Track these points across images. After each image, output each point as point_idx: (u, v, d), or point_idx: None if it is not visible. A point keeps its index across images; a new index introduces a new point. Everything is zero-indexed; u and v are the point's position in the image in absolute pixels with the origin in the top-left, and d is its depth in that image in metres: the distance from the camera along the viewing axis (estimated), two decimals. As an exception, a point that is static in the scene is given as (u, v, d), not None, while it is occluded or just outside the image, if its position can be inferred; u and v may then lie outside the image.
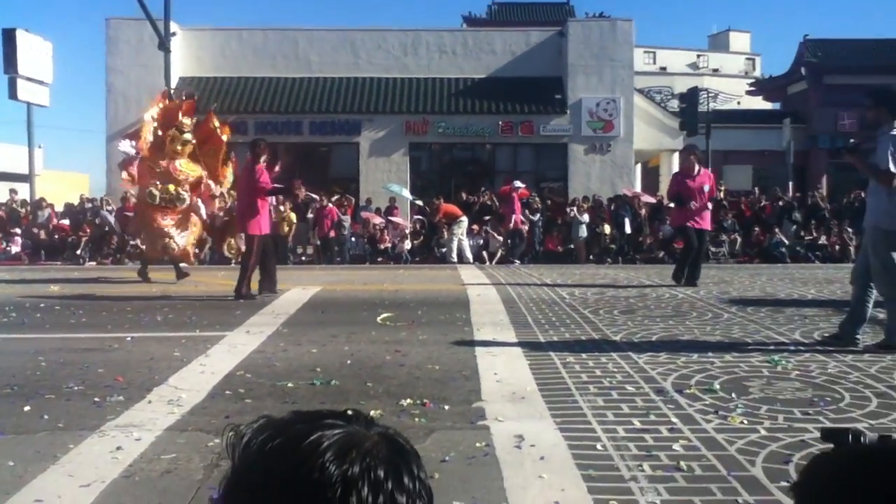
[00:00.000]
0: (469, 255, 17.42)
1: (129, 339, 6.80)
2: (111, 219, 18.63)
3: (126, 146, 11.79)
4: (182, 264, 11.90)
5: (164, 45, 20.25)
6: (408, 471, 0.86)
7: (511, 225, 17.61)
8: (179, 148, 11.24)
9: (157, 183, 11.16)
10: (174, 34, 21.37)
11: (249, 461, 0.85)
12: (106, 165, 23.70)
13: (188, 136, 11.28)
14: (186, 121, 11.36)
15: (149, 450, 3.79)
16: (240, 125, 23.07)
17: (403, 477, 0.85)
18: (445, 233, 17.76)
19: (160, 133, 11.34)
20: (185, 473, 3.49)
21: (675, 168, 26.61)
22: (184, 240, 11.39)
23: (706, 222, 10.52)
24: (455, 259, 17.12)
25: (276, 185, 10.01)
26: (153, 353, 6.13)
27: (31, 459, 3.64)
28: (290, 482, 0.81)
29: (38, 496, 3.21)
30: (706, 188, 10.19)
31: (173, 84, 21.63)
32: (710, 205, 10.61)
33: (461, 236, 17.59)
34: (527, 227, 18.27)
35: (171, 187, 11.16)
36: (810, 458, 0.96)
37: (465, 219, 17.89)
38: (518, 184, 18.29)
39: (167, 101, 11.89)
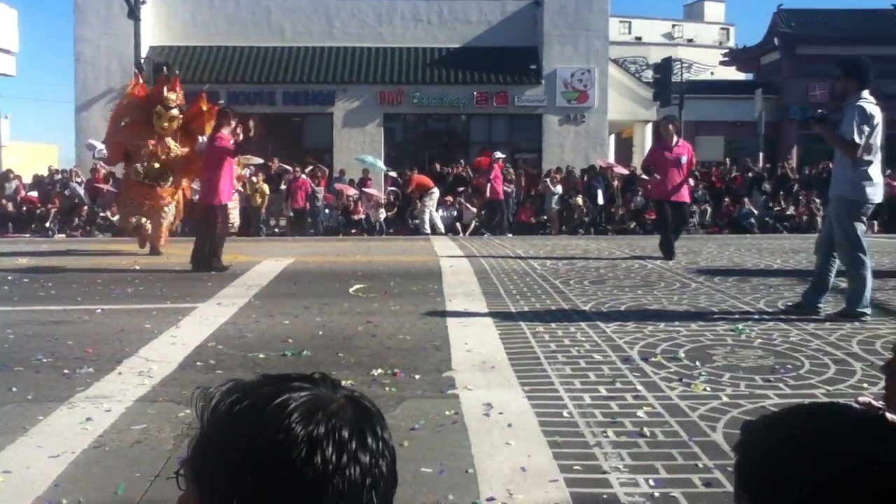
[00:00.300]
0: (441, 226, 17.45)
1: (99, 311, 6.77)
2: (81, 190, 18.40)
3: (98, 145, 11.53)
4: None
5: (133, 14, 19.87)
6: (371, 432, 0.89)
7: (490, 195, 17.51)
8: (166, 125, 10.94)
9: (144, 161, 10.95)
10: (144, 2, 20.94)
11: (217, 423, 0.88)
12: (75, 137, 23.30)
13: (175, 111, 10.99)
14: (172, 96, 11.03)
15: (119, 420, 3.81)
16: (210, 95, 22.81)
17: (367, 437, 0.88)
18: (418, 204, 17.77)
19: (145, 111, 11.05)
20: (156, 443, 3.52)
21: (649, 139, 26.86)
22: (159, 222, 11.19)
23: (684, 195, 10.40)
24: (428, 230, 17.14)
25: (235, 144, 9.66)
26: (123, 325, 6.11)
27: (0, 431, 3.65)
28: (256, 443, 0.84)
29: (7, 467, 3.23)
30: (683, 160, 10.09)
31: (143, 53, 21.27)
32: (690, 179, 10.50)
33: (432, 208, 17.61)
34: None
35: (157, 165, 10.97)
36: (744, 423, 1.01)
37: (436, 190, 17.90)
38: (498, 154, 18.29)
39: (142, 82, 11.60)
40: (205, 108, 11.23)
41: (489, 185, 17.31)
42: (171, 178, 11.11)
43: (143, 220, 11.06)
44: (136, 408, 4.01)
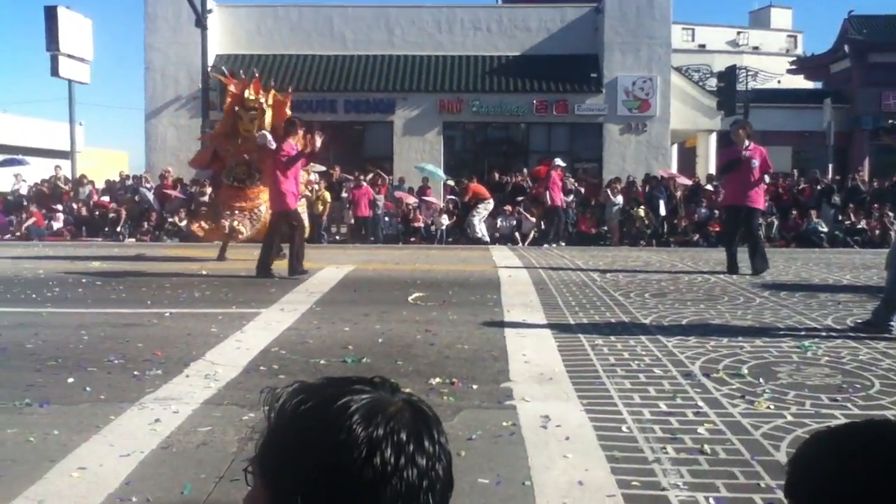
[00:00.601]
0: (486, 236, 17.48)
1: (167, 314, 6.98)
2: (150, 196, 18.98)
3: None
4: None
5: (200, 23, 20.45)
6: (429, 435, 0.93)
7: (552, 203, 17.32)
8: (249, 126, 11.07)
9: (232, 164, 11.20)
10: (210, 11, 21.55)
11: (283, 422, 0.93)
12: (145, 143, 24.07)
13: (253, 112, 11.11)
14: (250, 97, 11.15)
15: (186, 422, 3.93)
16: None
17: (424, 440, 0.92)
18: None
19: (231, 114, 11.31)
20: (221, 446, 3.61)
21: (713, 149, 26.36)
22: (252, 224, 11.27)
23: (756, 200, 9.88)
24: (479, 235, 17.23)
25: (297, 153, 9.71)
26: (191, 328, 6.30)
27: (74, 429, 3.80)
28: (319, 443, 0.89)
29: (82, 464, 3.36)
30: (755, 163, 9.69)
31: (210, 61, 21.85)
32: (763, 181, 9.97)
33: (482, 217, 17.68)
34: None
35: (243, 167, 11.15)
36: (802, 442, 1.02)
37: (491, 201, 17.92)
38: (558, 161, 18.10)
39: (236, 83, 11.69)
40: (288, 111, 11.39)
41: (547, 192, 17.22)
42: (257, 177, 11.17)
43: (236, 223, 11.21)
44: (202, 410, 4.13)
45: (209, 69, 21.30)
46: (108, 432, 3.78)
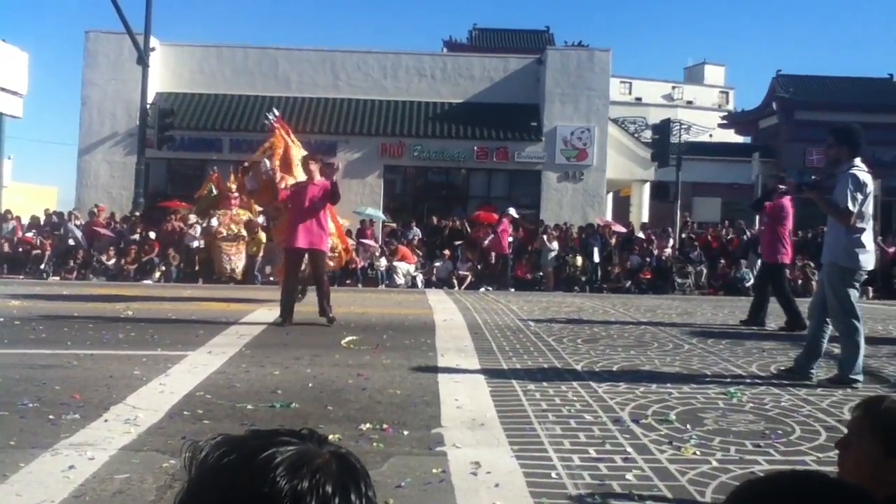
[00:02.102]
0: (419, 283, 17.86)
1: (88, 356, 6.73)
2: (78, 233, 18.44)
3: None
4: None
5: (142, 60, 20.22)
6: (356, 489, 0.90)
7: (496, 248, 17.89)
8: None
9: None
10: (153, 49, 21.36)
11: (204, 474, 0.89)
12: (77, 179, 23.47)
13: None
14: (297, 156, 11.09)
15: (102, 469, 3.76)
16: (215, 142, 23.06)
17: (351, 494, 0.89)
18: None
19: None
20: (138, 494, 3.47)
21: (647, 198, 27.05)
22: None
23: (767, 253, 9.99)
24: (399, 282, 17.61)
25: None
26: (113, 371, 6.07)
27: (-21, 477, 3.60)
28: (241, 495, 0.85)
29: (-16, 515, 3.18)
30: (765, 217, 9.88)
31: (150, 99, 21.57)
32: (783, 238, 9.98)
33: (402, 272, 17.97)
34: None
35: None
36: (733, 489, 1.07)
37: (415, 266, 18.32)
38: (513, 211, 18.71)
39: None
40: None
41: (496, 238, 17.63)
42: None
43: None
44: (121, 456, 3.96)
45: (148, 106, 21.02)
46: (15, 481, 3.59)
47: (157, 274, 17.12)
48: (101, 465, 3.81)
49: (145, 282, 16.53)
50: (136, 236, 18.06)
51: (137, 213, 19.27)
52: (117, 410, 4.86)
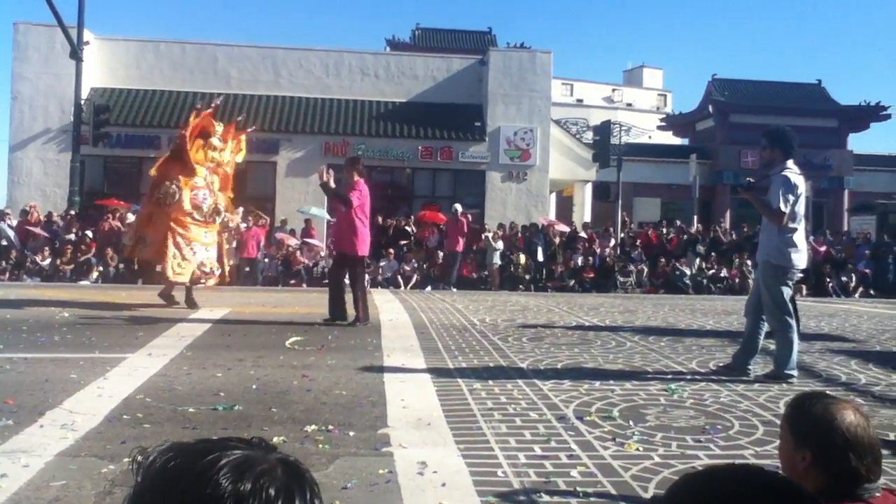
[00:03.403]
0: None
1: (22, 359, 6.51)
2: (11, 233, 17.81)
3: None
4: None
5: (76, 54, 19.63)
6: (301, 494, 0.90)
7: (449, 247, 18.06)
8: (217, 156, 10.64)
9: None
10: (87, 43, 20.73)
11: (150, 478, 0.90)
12: (7, 176, 22.66)
13: (217, 141, 10.68)
14: (218, 128, 10.76)
15: (37, 476, 3.65)
16: (153, 139, 22.54)
17: (295, 498, 0.89)
18: None
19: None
20: (76, 500, 3.38)
21: (589, 198, 27.46)
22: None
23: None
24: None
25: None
26: (48, 374, 5.89)
27: None
28: (185, 497, 0.86)
29: (-88, 527, 3.05)
30: None
31: (84, 94, 20.96)
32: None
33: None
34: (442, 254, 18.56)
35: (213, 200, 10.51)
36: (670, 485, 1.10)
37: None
38: (459, 207, 18.81)
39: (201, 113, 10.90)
40: (242, 146, 11.18)
41: (452, 237, 17.86)
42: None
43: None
44: (57, 463, 3.85)
45: (83, 102, 20.43)
46: (-55, 489, 3.45)
47: (95, 274, 16.66)
48: (36, 472, 3.70)
49: (82, 283, 16.07)
50: (72, 236, 17.53)
51: (73, 212, 18.70)
52: (53, 415, 4.72)
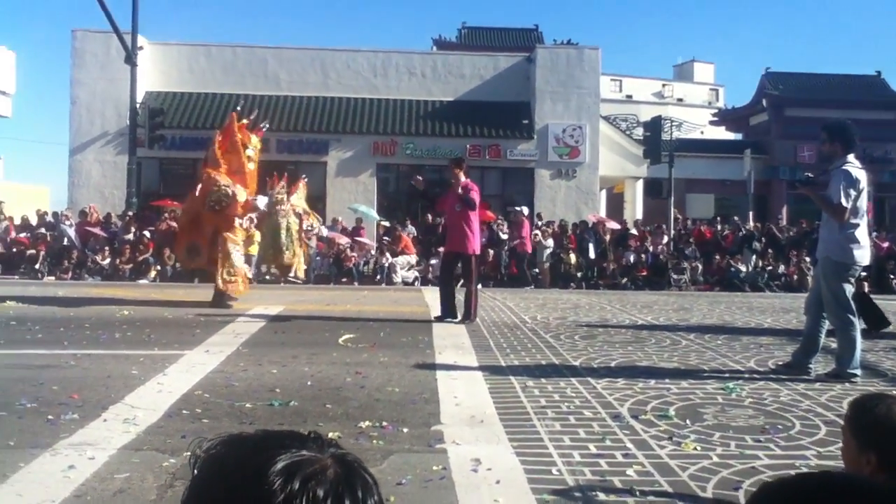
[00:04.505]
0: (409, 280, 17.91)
1: (86, 356, 6.70)
2: (72, 233, 18.34)
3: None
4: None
5: (130, 59, 20.12)
6: (350, 494, 0.90)
7: (520, 248, 18.03)
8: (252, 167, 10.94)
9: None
10: (141, 48, 21.24)
11: (205, 474, 0.91)
12: (68, 178, 23.35)
13: (251, 152, 10.95)
14: (254, 141, 11.07)
15: (102, 469, 3.75)
16: (205, 141, 22.95)
17: (345, 500, 0.89)
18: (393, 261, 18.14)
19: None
20: (139, 493, 3.45)
21: (640, 195, 27.12)
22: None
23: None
24: (397, 280, 17.61)
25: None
26: (110, 371, 6.05)
27: (-21, 478, 3.58)
28: (235, 496, 0.87)
29: (-14, 516, 3.16)
30: None
31: (139, 98, 21.48)
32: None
33: (402, 266, 17.99)
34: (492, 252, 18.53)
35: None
36: (757, 487, 1.04)
37: (415, 257, 18.41)
38: (523, 209, 18.86)
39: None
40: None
41: (519, 239, 17.90)
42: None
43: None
44: (120, 456, 3.95)
45: (138, 105, 20.93)
46: (16, 481, 3.57)
47: (153, 273, 17.06)
48: (101, 465, 3.79)
49: (141, 281, 16.47)
50: (131, 236, 17.98)
51: (131, 213, 19.19)
52: (116, 410, 4.84)
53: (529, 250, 18.22)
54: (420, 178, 9.80)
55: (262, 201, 10.93)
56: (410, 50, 26.14)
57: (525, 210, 19.12)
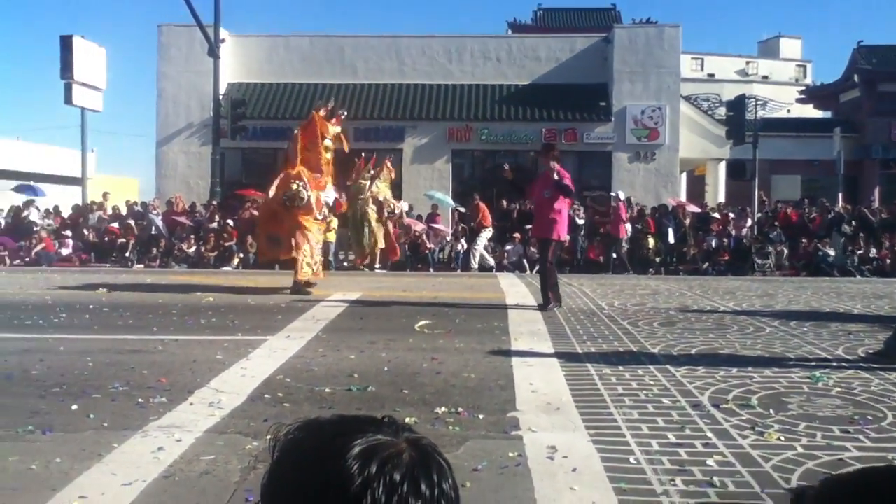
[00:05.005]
0: (491, 261, 17.70)
1: (173, 341, 6.97)
2: (159, 222, 19.06)
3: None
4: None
5: (213, 52, 20.68)
6: (426, 478, 0.91)
7: (612, 232, 17.91)
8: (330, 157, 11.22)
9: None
10: (223, 40, 21.79)
11: (283, 457, 0.94)
12: (155, 170, 24.24)
13: (329, 142, 11.19)
14: (332, 128, 11.29)
15: (188, 451, 3.89)
16: (286, 131, 23.46)
17: (421, 484, 0.90)
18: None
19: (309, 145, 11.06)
20: (223, 475, 3.58)
21: (722, 177, 26.34)
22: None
23: None
24: (476, 266, 17.41)
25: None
26: (196, 355, 6.28)
27: (77, 457, 3.77)
28: (312, 479, 0.88)
29: (83, 493, 3.33)
30: None
31: (222, 90, 22.07)
32: None
33: (483, 245, 17.87)
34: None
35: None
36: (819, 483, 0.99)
37: (490, 229, 18.18)
38: (621, 194, 18.77)
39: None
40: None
41: (616, 224, 17.74)
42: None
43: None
44: (206, 438, 4.10)
45: (221, 97, 21.52)
46: (110, 461, 3.75)
47: (236, 261, 17.57)
48: (187, 447, 3.95)
49: (225, 269, 16.99)
50: (215, 224, 18.56)
51: (215, 202, 19.79)
52: (201, 394, 5.02)
53: (623, 235, 17.94)
54: (507, 167, 9.76)
55: (330, 196, 11.12)
56: (485, 34, 26.00)
57: (622, 194, 18.76)
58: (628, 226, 18.44)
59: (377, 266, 15.42)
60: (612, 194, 18.84)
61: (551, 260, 9.40)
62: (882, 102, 29.15)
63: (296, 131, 11.34)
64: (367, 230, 12.07)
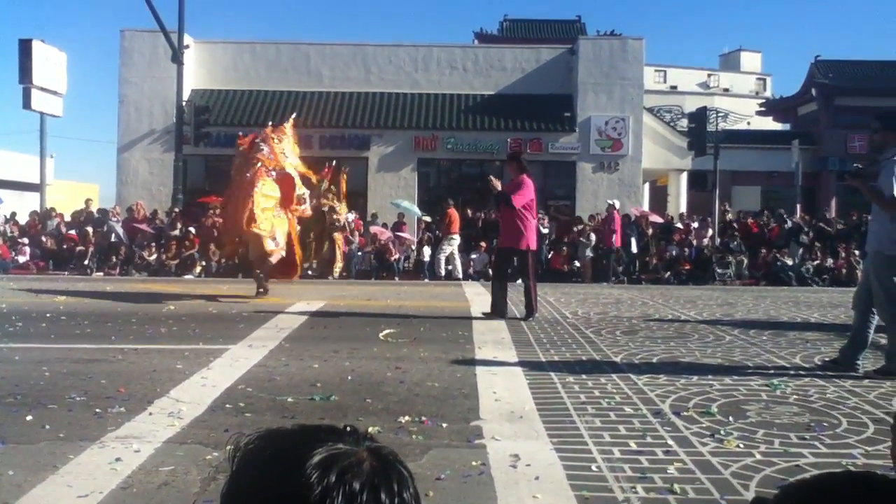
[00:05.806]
0: (459, 270, 17.66)
1: (132, 350, 6.85)
2: (120, 230, 18.76)
3: None
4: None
5: (177, 58, 20.47)
6: (386, 487, 0.91)
7: (607, 243, 17.85)
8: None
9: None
10: (187, 46, 21.59)
11: (242, 467, 0.93)
12: (116, 176, 23.87)
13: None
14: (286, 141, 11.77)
15: (147, 461, 3.83)
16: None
17: (381, 493, 0.90)
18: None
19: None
20: (183, 486, 3.52)
21: (684, 188, 26.72)
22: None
23: None
24: (442, 273, 17.39)
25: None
26: (156, 365, 6.18)
27: (31, 469, 3.68)
28: (271, 489, 0.88)
29: (36, 506, 3.25)
30: None
31: (185, 96, 21.84)
32: None
33: (449, 252, 17.84)
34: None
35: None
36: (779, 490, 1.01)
37: (457, 237, 18.13)
38: (616, 203, 18.74)
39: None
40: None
41: (610, 234, 17.71)
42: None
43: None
44: (165, 449, 4.03)
45: (184, 103, 21.29)
46: (66, 472, 3.67)
47: (198, 269, 17.37)
48: (146, 458, 3.88)
49: (186, 277, 16.79)
50: (177, 232, 18.33)
51: (177, 210, 19.55)
52: (161, 404, 4.94)
53: (618, 245, 17.87)
54: (492, 177, 9.75)
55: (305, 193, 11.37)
56: (452, 44, 26.11)
57: (617, 203, 18.64)
58: (593, 236, 18.59)
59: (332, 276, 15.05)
60: (609, 202, 18.71)
61: (532, 271, 9.31)
62: (839, 115, 29.85)
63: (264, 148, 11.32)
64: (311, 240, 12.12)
